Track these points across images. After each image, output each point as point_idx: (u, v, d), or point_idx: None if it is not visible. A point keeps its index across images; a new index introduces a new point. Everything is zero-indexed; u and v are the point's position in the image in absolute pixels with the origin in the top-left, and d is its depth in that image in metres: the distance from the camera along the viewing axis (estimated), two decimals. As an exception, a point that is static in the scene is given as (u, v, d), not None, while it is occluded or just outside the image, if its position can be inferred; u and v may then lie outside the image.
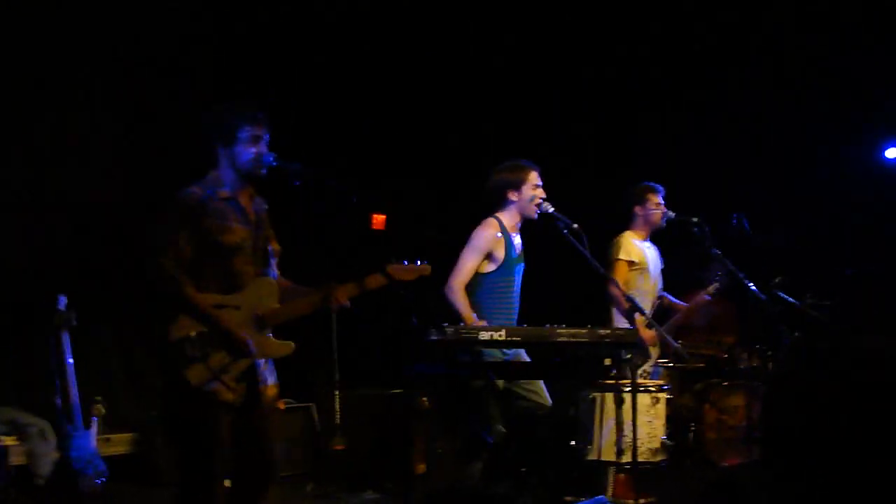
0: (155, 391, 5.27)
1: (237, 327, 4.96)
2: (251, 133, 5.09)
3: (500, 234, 6.69)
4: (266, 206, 5.29)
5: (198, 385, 4.86)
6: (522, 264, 6.81)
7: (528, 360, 6.54)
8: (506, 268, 6.69)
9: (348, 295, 5.27)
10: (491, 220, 6.75)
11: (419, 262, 5.51)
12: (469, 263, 6.63)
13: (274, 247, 5.29)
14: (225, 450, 4.95)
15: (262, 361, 5.10)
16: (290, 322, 5.20)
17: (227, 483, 5.08)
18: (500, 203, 6.79)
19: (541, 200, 6.68)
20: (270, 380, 5.18)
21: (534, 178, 6.76)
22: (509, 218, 6.77)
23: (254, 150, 5.09)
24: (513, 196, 6.75)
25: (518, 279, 6.76)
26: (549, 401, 6.66)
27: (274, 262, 5.29)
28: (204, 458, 4.93)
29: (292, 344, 5.17)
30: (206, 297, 4.94)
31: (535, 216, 6.73)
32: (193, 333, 4.88)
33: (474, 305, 6.54)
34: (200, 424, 4.92)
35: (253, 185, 5.19)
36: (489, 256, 6.66)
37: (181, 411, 4.97)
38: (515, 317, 6.75)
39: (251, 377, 5.04)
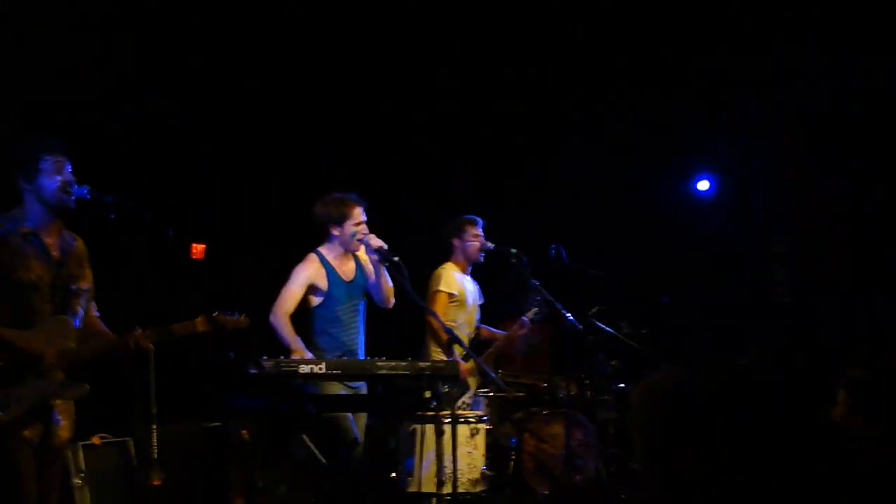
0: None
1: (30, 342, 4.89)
2: (52, 161, 5.00)
3: (320, 267, 6.72)
4: (76, 243, 5.18)
5: None
6: (358, 291, 6.83)
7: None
8: (333, 298, 6.71)
9: (152, 339, 5.19)
10: (311, 256, 6.80)
11: (237, 315, 5.50)
12: (290, 292, 6.65)
13: (82, 285, 5.17)
14: (30, 487, 4.87)
15: (54, 403, 5.01)
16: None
17: None
18: (323, 235, 6.81)
19: (363, 236, 6.71)
20: (63, 422, 5.07)
21: (357, 214, 6.79)
22: (330, 251, 6.78)
23: (58, 178, 4.99)
24: (335, 231, 6.78)
25: (355, 307, 6.78)
26: (356, 434, 6.68)
27: (84, 300, 5.18)
28: (9, 495, 4.84)
29: (87, 386, 5.09)
30: None
31: (357, 251, 6.76)
32: None
33: (311, 341, 6.57)
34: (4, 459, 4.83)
35: (63, 220, 5.08)
36: (313, 289, 6.68)
37: None
38: (360, 346, 6.78)
39: (44, 416, 4.96)
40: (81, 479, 7.26)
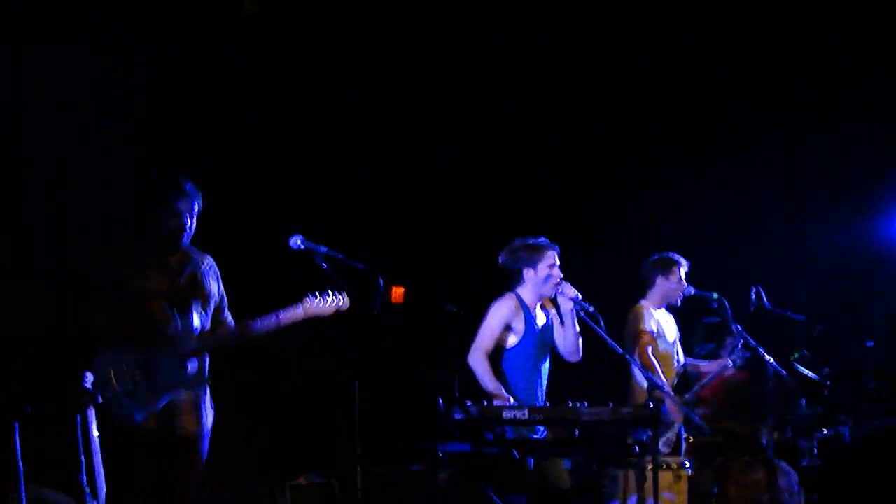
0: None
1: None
2: (174, 206, 5.51)
3: (518, 308, 6.76)
4: (200, 257, 5.71)
5: (119, 416, 5.29)
6: (547, 341, 6.86)
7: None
8: (529, 339, 6.74)
9: (263, 329, 5.66)
10: (509, 295, 6.83)
11: (337, 295, 5.77)
12: (487, 332, 6.71)
13: (204, 293, 5.66)
14: (149, 480, 5.34)
15: (182, 396, 5.48)
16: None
17: None
18: (517, 279, 6.85)
19: (558, 280, 6.72)
20: (197, 415, 5.56)
21: (549, 257, 6.81)
22: (527, 294, 6.82)
23: (173, 222, 5.51)
24: (528, 274, 6.81)
25: (541, 357, 6.81)
26: (566, 480, 6.68)
27: (209, 307, 5.71)
28: (129, 490, 5.33)
29: (209, 378, 5.62)
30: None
31: (552, 295, 6.78)
32: (113, 370, 5.32)
33: (501, 379, 6.62)
34: (124, 456, 5.34)
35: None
36: (510, 329, 6.72)
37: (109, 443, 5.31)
38: (542, 391, 6.80)
39: (173, 410, 5.42)
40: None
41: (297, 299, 5.72)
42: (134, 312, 5.46)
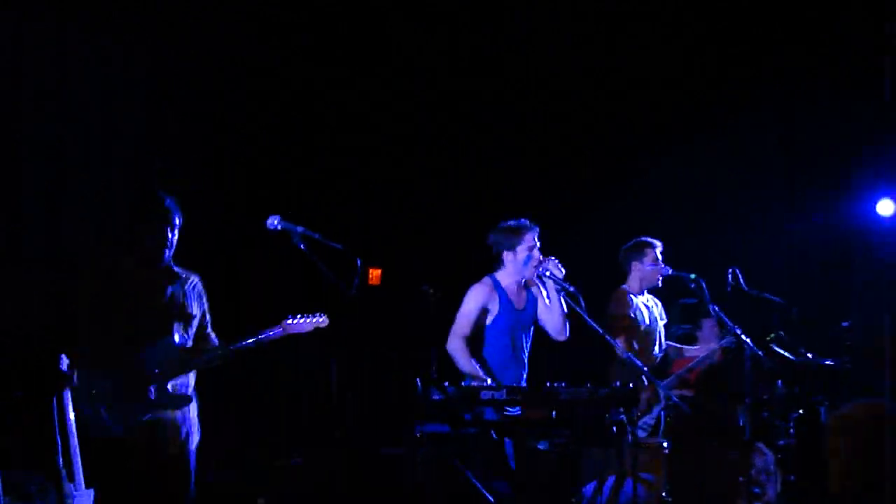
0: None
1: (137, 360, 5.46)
2: (160, 224, 5.59)
3: (492, 291, 6.77)
4: (187, 276, 5.79)
5: (101, 432, 5.40)
6: (526, 322, 6.87)
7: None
8: (503, 320, 6.75)
9: (242, 345, 5.77)
10: (485, 280, 6.86)
11: (316, 316, 5.89)
12: (463, 317, 6.74)
13: (189, 311, 5.76)
14: (136, 494, 5.43)
15: (165, 414, 5.56)
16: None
17: None
18: (498, 262, 6.87)
19: (539, 261, 6.74)
20: (179, 434, 5.65)
21: (528, 239, 6.83)
22: (507, 277, 6.84)
23: (154, 239, 5.61)
24: (508, 257, 6.83)
25: (519, 339, 6.82)
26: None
27: (193, 325, 5.80)
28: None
29: (189, 398, 5.65)
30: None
31: (533, 277, 6.80)
32: (98, 381, 5.43)
33: (481, 360, 6.63)
34: (109, 468, 5.45)
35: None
36: (486, 312, 6.75)
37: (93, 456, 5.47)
38: (522, 370, 6.81)
39: (155, 428, 5.52)
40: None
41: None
42: (117, 322, 5.54)
